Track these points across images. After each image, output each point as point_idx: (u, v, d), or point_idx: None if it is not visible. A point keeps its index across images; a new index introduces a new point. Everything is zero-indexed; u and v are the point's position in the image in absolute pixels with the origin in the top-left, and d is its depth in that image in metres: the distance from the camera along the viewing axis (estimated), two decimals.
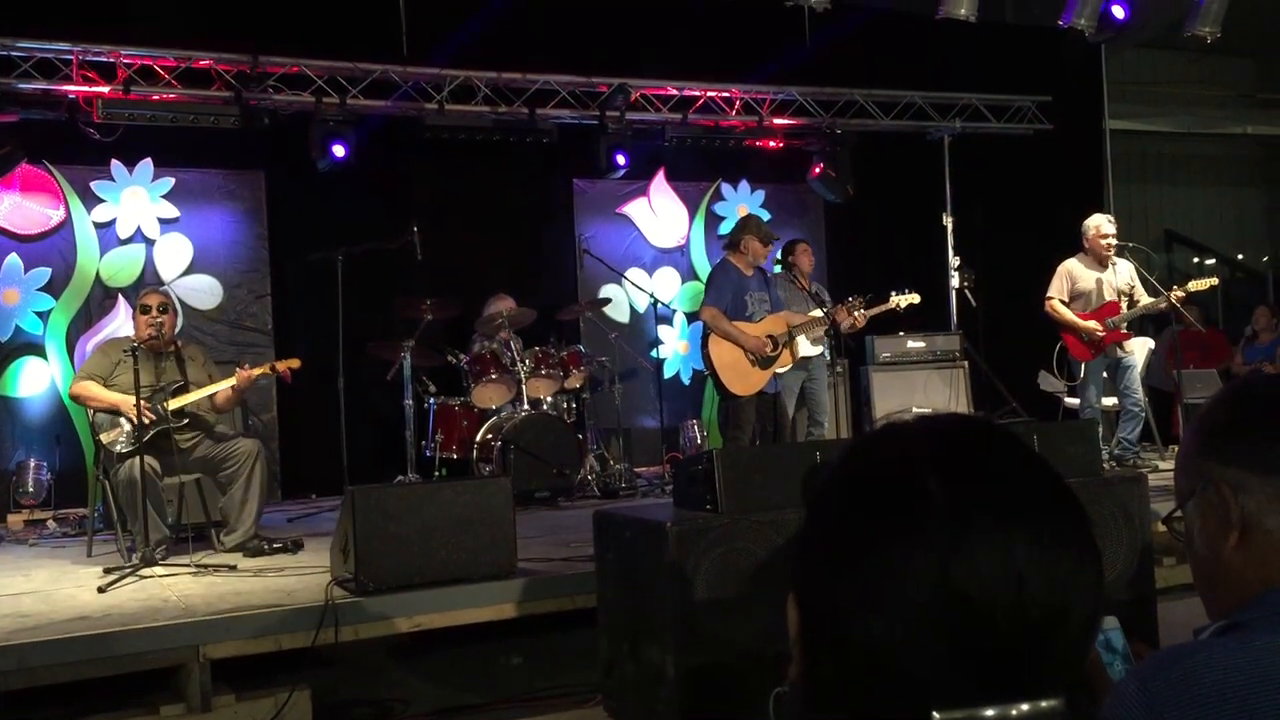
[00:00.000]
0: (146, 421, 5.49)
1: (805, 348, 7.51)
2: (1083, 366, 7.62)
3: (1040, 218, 9.17)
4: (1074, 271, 7.55)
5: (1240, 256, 14.84)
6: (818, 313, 7.23)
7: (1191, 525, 1.29)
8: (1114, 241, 7.49)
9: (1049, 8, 9.29)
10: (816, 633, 0.87)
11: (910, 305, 7.76)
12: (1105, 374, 7.59)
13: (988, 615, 0.80)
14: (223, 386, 5.87)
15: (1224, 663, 1.10)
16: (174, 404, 5.70)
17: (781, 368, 6.92)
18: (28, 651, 3.89)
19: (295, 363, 6.15)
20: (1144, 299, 7.51)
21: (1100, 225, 7.53)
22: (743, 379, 6.71)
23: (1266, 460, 1.21)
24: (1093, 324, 7.40)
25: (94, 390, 5.66)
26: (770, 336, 6.77)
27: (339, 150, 8.12)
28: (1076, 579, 0.83)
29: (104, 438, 5.60)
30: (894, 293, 7.73)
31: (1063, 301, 7.52)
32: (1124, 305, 7.44)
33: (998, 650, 0.80)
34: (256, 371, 5.96)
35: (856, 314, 7.40)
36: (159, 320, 5.79)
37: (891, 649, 0.81)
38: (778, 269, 8.26)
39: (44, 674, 3.90)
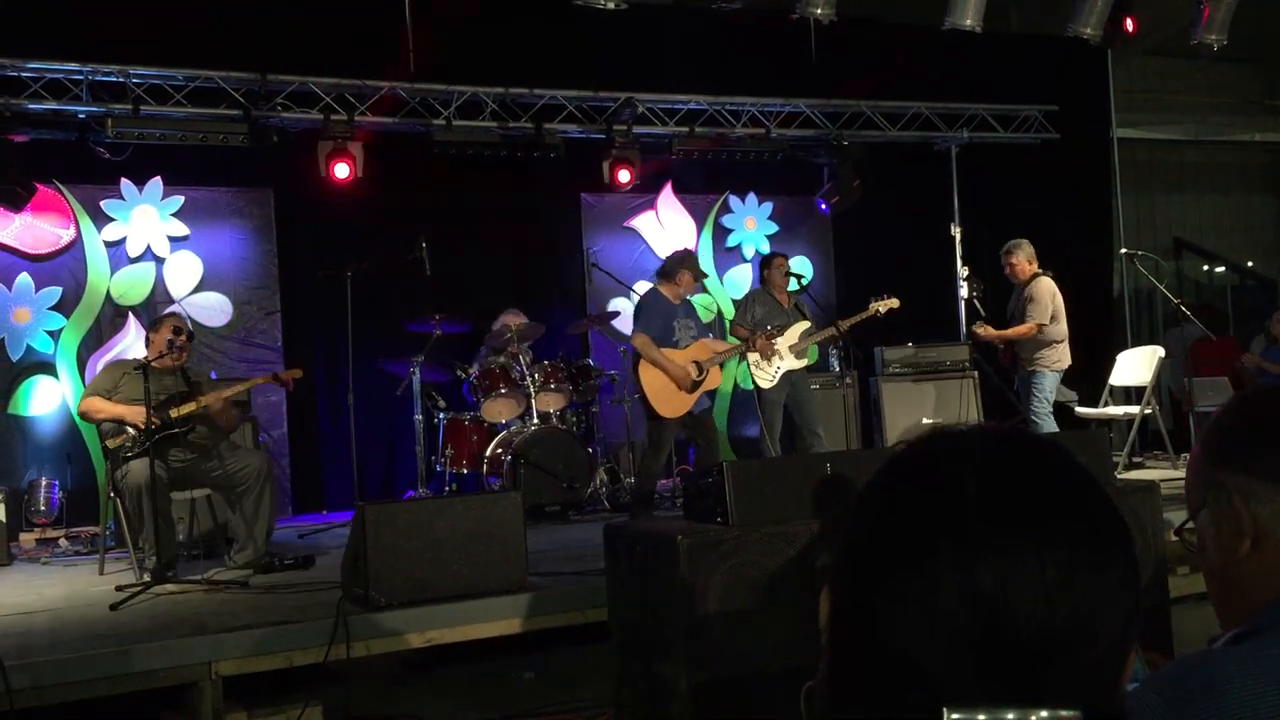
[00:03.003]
0: (152, 426, 5.54)
1: (789, 362, 7.58)
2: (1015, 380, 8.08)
3: (1049, 227, 9.15)
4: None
5: (1250, 264, 14.80)
6: (735, 342, 7.64)
7: (1204, 534, 1.28)
8: (1008, 273, 7.78)
9: (1054, 17, 9.29)
10: (845, 627, 0.87)
11: (890, 310, 7.79)
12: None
13: (1012, 625, 0.79)
14: (222, 395, 5.91)
15: (1239, 671, 1.09)
16: (178, 412, 5.73)
17: (709, 388, 7.20)
18: (41, 669, 3.90)
19: (298, 372, 6.28)
20: (1026, 321, 7.60)
21: (1001, 251, 7.89)
22: (669, 402, 6.95)
23: (1278, 469, 1.21)
24: (1003, 343, 7.86)
25: (99, 404, 5.74)
26: (695, 362, 7.06)
27: (343, 170, 8.14)
28: (1108, 596, 0.83)
29: (110, 443, 5.65)
30: (873, 298, 7.79)
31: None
32: (1017, 324, 7.67)
33: (1020, 661, 0.79)
34: (259, 380, 6.08)
35: (776, 341, 7.58)
36: (181, 343, 5.90)
37: (915, 651, 0.80)
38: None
39: (56, 692, 3.90)
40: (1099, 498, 0.87)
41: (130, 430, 5.62)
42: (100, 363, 7.96)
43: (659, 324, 7.06)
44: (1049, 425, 7.61)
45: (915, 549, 0.83)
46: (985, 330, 7.75)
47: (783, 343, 7.55)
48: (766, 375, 7.52)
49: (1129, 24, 8.90)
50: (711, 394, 7.39)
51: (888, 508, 0.88)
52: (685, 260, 7.36)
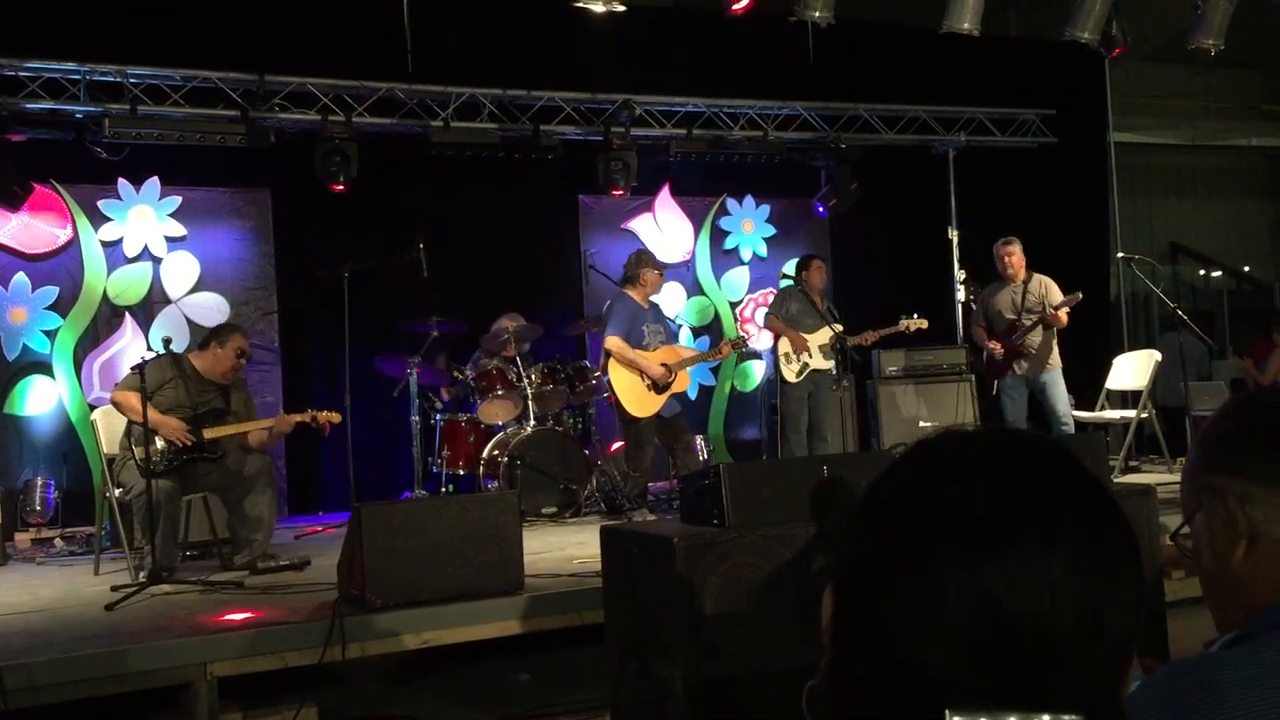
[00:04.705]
0: (187, 444, 5.55)
1: (816, 361, 7.67)
2: (995, 385, 8.07)
3: (1046, 230, 9.15)
4: (986, 294, 8.08)
5: (1247, 269, 14.82)
6: (699, 350, 8.06)
7: (1199, 538, 1.28)
8: (1008, 261, 7.83)
9: (1052, 21, 9.30)
10: (849, 628, 0.87)
11: (919, 329, 7.96)
12: (1033, 393, 7.85)
13: (1016, 627, 0.79)
14: (261, 426, 5.89)
15: (1235, 675, 1.09)
16: (211, 434, 5.70)
17: (678, 390, 7.43)
18: (35, 670, 3.89)
19: (336, 417, 6.15)
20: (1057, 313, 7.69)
21: (997, 247, 7.93)
22: (640, 402, 7.20)
23: (1273, 472, 1.21)
24: (994, 344, 7.86)
25: (137, 404, 5.43)
26: (665, 365, 7.26)
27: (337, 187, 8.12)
28: (1112, 598, 0.82)
29: (137, 451, 5.55)
30: (904, 317, 7.96)
31: (980, 324, 8.08)
32: (1027, 323, 7.74)
33: (1024, 663, 0.79)
34: (296, 418, 5.96)
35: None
36: (241, 365, 5.96)
37: (919, 653, 0.80)
38: (783, 283, 8.30)
39: (50, 693, 3.89)
40: (1103, 499, 0.87)
41: (159, 444, 5.51)
42: (98, 362, 7.97)
43: (629, 328, 7.24)
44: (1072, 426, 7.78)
45: (920, 551, 0.82)
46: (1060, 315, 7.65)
47: (813, 341, 7.69)
48: (792, 369, 7.66)
49: (1118, 51, 9.04)
50: (680, 398, 7.64)
51: (893, 509, 0.87)
52: (643, 259, 7.57)
